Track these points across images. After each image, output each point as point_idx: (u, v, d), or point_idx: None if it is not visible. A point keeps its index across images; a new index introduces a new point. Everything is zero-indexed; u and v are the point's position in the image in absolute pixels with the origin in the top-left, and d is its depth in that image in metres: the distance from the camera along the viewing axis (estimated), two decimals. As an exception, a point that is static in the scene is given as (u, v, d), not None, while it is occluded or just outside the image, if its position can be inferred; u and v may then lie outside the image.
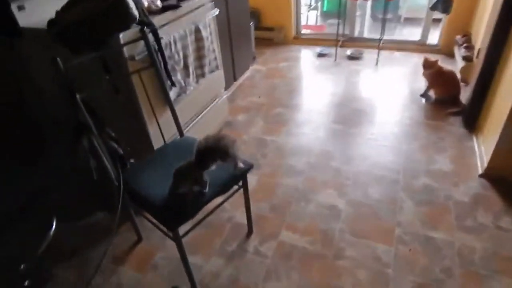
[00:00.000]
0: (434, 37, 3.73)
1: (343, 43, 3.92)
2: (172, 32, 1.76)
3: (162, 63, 1.68)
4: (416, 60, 3.53)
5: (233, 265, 1.64)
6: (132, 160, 1.58)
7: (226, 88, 2.72)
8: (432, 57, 2.77)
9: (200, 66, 2.06)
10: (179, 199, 1.28)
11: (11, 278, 1.06)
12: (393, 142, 2.39)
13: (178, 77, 1.85)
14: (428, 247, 1.65)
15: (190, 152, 1.29)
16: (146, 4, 1.70)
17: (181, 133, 1.74)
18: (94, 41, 1.32)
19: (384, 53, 3.69)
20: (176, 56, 1.80)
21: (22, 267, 0.93)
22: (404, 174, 2.10)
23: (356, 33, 4.12)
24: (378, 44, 3.52)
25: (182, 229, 1.33)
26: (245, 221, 1.78)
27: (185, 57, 1.88)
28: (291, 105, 2.95)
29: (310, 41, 4.18)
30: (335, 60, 3.71)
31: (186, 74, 1.93)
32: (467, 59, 2.94)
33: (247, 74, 3.46)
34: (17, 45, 1.63)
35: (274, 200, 1.99)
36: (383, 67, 3.49)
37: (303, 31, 4.31)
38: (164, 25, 1.74)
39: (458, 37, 3.34)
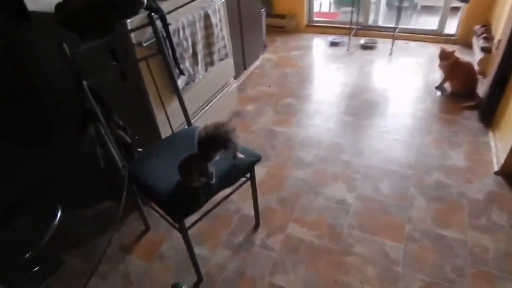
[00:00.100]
0: (451, 27, 3.59)
1: (356, 32, 3.81)
2: (181, 18, 1.71)
3: (170, 50, 1.64)
4: (432, 50, 3.42)
5: (239, 257, 1.63)
6: (139, 149, 1.57)
7: (236, 77, 2.67)
8: (449, 48, 2.67)
9: (209, 53, 2.01)
10: (193, 193, 1.25)
11: (19, 265, 1.06)
12: (405, 136, 2.33)
13: (187, 64, 1.81)
14: (439, 245, 1.61)
15: (197, 142, 1.26)
16: (154, -11, 1.65)
17: (188, 122, 1.71)
18: (102, 26, 1.28)
19: (398, 42, 3.58)
20: (185, 43, 1.75)
21: (27, 255, 0.92)
22: (416, 169, 2.05)
23: (370, 21, 3.99)
24: (393, 33, 3.41)
25: (188, 220, 1.32)
26: (252, 213, 1.76)
27: (194, 44, 1.83)
28: (301, 95, 2.89)
29: (323, 29, 4.08)
30: (348, 49, 3.61)
31: (195, 62, 1.88)
32: (486, 50, 2.82)
33: (257, 62, 3.40)
34: (26, 29, 1.60)
35: (283, 193, 1.96)
36: (398, 58, 3.39)
37: (316, 18, 4.20)
38: (172, 10, 1.69)
39: (477, 27, 3.21)
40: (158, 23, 1.50)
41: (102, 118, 1.30)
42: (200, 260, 1.54)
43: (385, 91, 2.87)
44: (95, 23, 1.26)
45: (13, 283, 1.05)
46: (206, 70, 2.03)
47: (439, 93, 2.78)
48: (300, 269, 1.55)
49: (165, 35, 1.58)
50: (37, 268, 1.17)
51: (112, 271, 1.60)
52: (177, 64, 1.72)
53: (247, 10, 2.84)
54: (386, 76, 3.11)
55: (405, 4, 4.41)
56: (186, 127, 1.72)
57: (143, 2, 1.31)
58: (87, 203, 1.65)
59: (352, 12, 3.55)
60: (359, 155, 2.19)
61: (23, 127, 1.57)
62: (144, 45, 1.53)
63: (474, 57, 2.98)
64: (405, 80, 3.00)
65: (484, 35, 3.00)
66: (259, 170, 2.09)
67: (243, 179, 1.55)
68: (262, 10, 3.31)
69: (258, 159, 1.47)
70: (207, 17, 1.89)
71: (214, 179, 1.31)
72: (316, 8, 4.24)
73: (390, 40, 3.45)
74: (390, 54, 3.44)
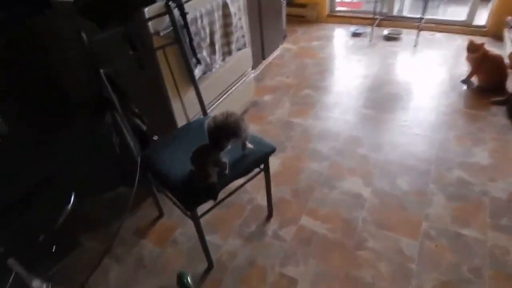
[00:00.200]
0: (481, 18, 3.42)
1: (380, 22, 3.69)
2: (199, 7, 1.70)
3: (187, 40, 1.64)
4: (460, 42, 3.27)
5: (251, 246, 1.64)
6: (155, 137, 1.59)
7: (254, 67, 2.65)
8: (478, 40, 2.54)
9: (227, 43, 2.00)
10: (210, 188, 1.25)
11: (36, 245, 1.11)
12: (426, 131, 2.25)
13: (204, 54, 1.81)
14: (457, 244, 1.56)
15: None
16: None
17: (204, 112, 1.72)
18: (119, 15, 1.30)
19: (424, 34, 3.45)
20: (202, 33, 1.75)
21: (41, 236, 0.96)
22: (436, 165, 1.98)
23: (395, 12, 3.85)
24: (419, 24, 3.27)
25: (202, 208, 1.33)
26: (265, 203, 1.76)
27: (212, 33, 1.83)
28: (320, 86, 2.84)
29: (345, 19, 3.98)
30: (370, 40, 3.51)
31: (212, 51, 1.88)
32: (519, 43, 2.68)
33: (276, 53, 3.36)
34: (47, 17, 1.64)
35: (297, 185, 1.94)
36: (423, 50, 3.26)
37: (338, 8, 4.09)
38: (190, -1, 1.68)
39: (509, 18, 3.03)
40: (176, 12, 1.50)
41: (119, 106, 1.32)
42: (212, 247, 1.56)
43: (408, 84, 2.78)
44: (112, 11, 1.27)
45: (31, 261, 1.10)
46: (223, 59, 2.02)
47: (465, 87, 2.66)
48: (311, 261, 1.55)
49: (182, 24, 1.58)
50: (54, 249, 1.22)
51: (126, 255, 1.65)
52: (194, 54, 1.71)
53: (267, -1, 2.80)
54: (410, 68, 3.01)
55: (433, -7, 4.23)
56: (202, 116, 1.72)
57: (160, -10, 1.31)
58: (103, 189, 1.70)
59: (376, 1, 3.43)
60: (377, 149, 2.14)
61: (44, 114, 1.62)
62: (162, 34, 1.54)
63: (505, 50, 2.82)
64: (430, 73, 2.89)
65: (517, 26, 2.84)
66: (274, 161, 2.08)
67: (257, 169, 1.55)
68: (283, -1, 3.25)
69: (273, 150, 1.46)
70: (225, 6, 1.88)
71: (227, 169, 1.32)
72: (338, -3, 4.14)
73: (415, 31, 3.33)
74: (415, 46, 3.32)
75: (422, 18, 3.29)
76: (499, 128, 2.22)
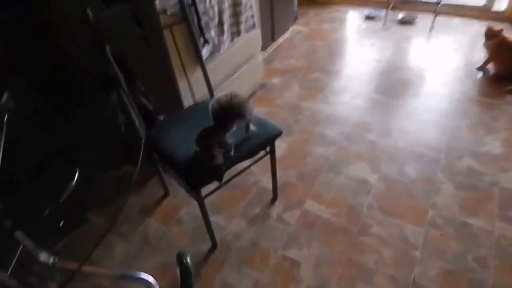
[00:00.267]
0: (502, 3, 3.27)
1: (394, 5, 3.57)
2: (208, -16, 1.67)
3: (195, 18, 1.60)
4: (477, 28, 3.16)
5: (255, 228, 1.64)
6: (161, 117, 1.58)
7: (263, 48, 2.60)
8: (497, 26, 2.45)
9: (236, 23, 1.96)
10: (215, 169, 1.24)
11: (42, 220, 1.12)
12: (438, 118, 2.20)
13: (212, 34, 1.78)
14: (463, 233, 1.55)
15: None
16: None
17: (211, 93, 1.70)
18: (126, -10, 1.27)
19: (440, 18, 3.32)
20: (211, 12, 1.71)
21: (46, 211, 0.98)
22: (446, 153, 1.94)
23: (411, -5, 3.73)
24: (435, 8, 3.15)
25: (207, 188, 1.34)
26: (271, 186, 1.75)
27: (220, 12, 1.79)
28: (330, 70, 2.79)
29: (359, 2, 3.86)
30: (384, 23, 3.41)
31: (221, 32, 1.84)
32: (540, 29, 2.57)
33: (286, 35, 3.29)
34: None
35: (303, 168, 1.93)
36: (438, 35, 3.16)
37: (352, -10, 3.97)
38: (200, -24, 1.64)
39: (533, 2, 2.91)
40: (184, -11, 1.46)
41: (125, 84, 1.31)
42: (216, 228, 1.57)
43: (421, 70, 2.70)
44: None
45: (39, 236, 1.12)
46: (232, 40, 1.99)
47: (480, 74, 2.58)
48: (314, 244, 1.55)
49: (190, 2, 1.55)
50: (61, 224, 1.24)
51: (131, 232, 1.67)
52: (202, 33, 1.69)
53: (279, -22, 2.72)
54: (424, 54, 2.92)
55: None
56: (209, 97, 1.71)
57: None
58: (108, 167, 1.71)
59: (392, -17, 3.31)
60: (386, 135, 2.10)
61: (53, 91, 1.62)
62: (169, 12, 1.51)
63: (525, 36, 2.72)
64: (444, 59, 2.81)
65: (540, 11, 2.72)
66: (281, 145, 2.07)
67: (263, 152, 1.54)
68: (295, -21, 3.16)
69: (279, 133, 1.44)
70: (235, -16, 1.83)
71: (233, 151, 1.31)
72: (353, -21, 4.01)
73: (431, 16, 3.21)
74: (430, 31, 3.21)
75: (439, 2, 3.16)
76: (513, 117, 2.15)
